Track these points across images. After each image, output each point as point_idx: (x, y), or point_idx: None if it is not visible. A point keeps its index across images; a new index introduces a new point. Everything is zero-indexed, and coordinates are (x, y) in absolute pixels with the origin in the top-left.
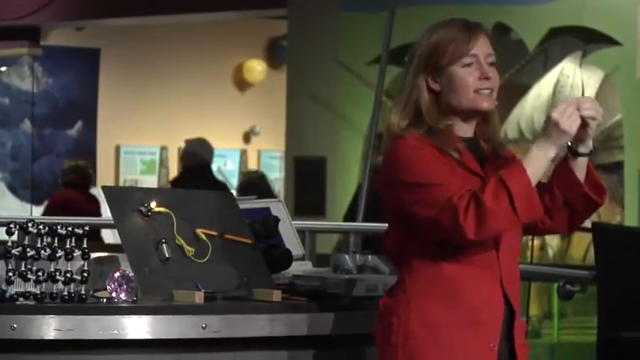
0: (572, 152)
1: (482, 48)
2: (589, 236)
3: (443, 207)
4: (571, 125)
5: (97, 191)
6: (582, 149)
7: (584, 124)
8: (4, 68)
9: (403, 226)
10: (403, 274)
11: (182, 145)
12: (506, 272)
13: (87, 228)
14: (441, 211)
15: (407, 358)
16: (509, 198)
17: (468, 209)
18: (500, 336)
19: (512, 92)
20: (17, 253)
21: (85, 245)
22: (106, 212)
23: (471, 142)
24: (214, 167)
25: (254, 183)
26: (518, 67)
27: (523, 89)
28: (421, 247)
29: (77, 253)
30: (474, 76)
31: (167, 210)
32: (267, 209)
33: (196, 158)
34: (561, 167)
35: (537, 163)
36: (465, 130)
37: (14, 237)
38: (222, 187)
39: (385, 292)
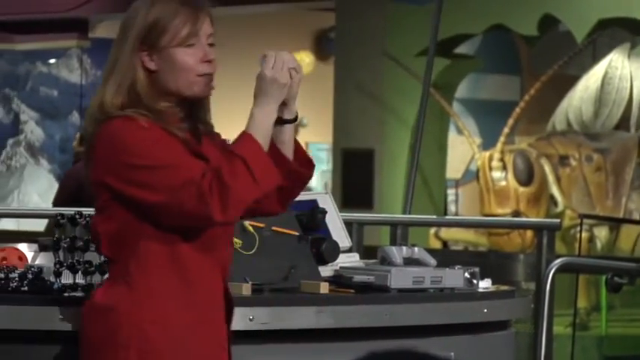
0: (277, 121)
1: (204, 27)
2: (638, 228)
3: (181, 189)
4: (286, 76)
5: None
6: (287, 115)
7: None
8: (52, 61)
9: (128, 212)
10: (128, 265)
11: (228, 138)
12: (226, 265)
13: None
14: (178, 193)
15: None
16: (247, 168)
17: (211, 188)
18: (227, 335)
19: (561, 84)
20: (65, 245)
21: None
22: None
23: (190, 124)
24: None
25: None
26: (567, 59)
27: (571, 81)
28: (152, 235)
29: None
30: (195, 58)
31: None
32: (315, 201)
33: None
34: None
35: (263, 126)
36: (179, 112)
37: (63, 229)
38: None
39: (105, 284)
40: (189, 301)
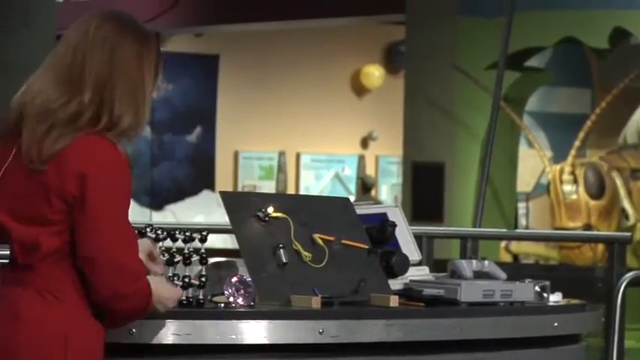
0: None
1: None
2: None
3: (124, 269)
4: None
5: (215, 196)
6: None
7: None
8: None
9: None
10: (63, 280)
11: (300, 150)
12: None
13: (205, 233)
14: (123, 267)
15: None
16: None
17: (145, 288)
18: None
19: (632, 97)
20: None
21: (202, 250)
22: (224, 217)
23: None
24: (332, 173)
25: None
26: (638, 72)
27: None
28: None
29: (195, 258)
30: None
31: (284, 215)
32: (385, 214)
33: None
34: None
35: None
36: None
37: None
38: None
39: (29, 296)
40: (97, 312)
